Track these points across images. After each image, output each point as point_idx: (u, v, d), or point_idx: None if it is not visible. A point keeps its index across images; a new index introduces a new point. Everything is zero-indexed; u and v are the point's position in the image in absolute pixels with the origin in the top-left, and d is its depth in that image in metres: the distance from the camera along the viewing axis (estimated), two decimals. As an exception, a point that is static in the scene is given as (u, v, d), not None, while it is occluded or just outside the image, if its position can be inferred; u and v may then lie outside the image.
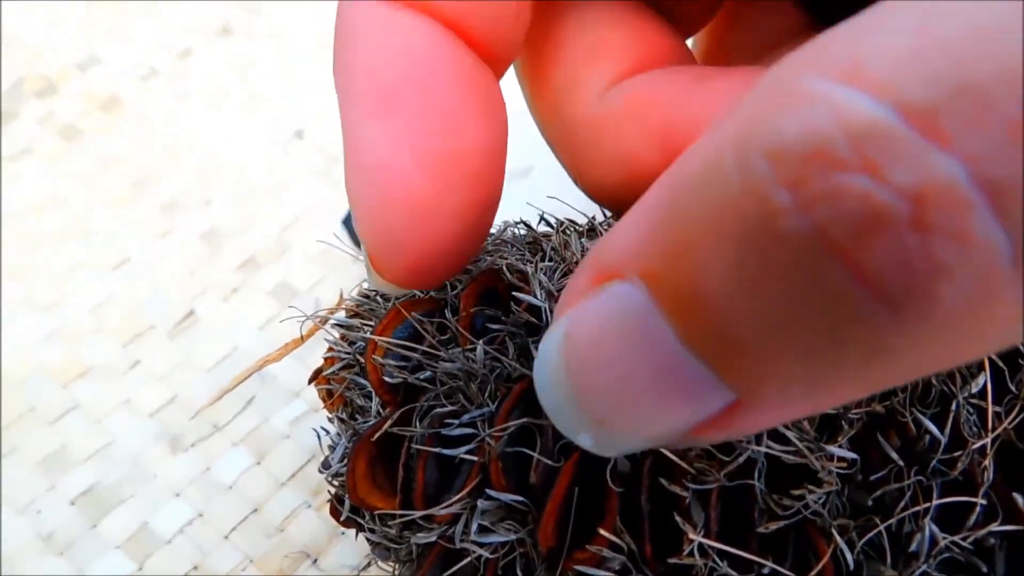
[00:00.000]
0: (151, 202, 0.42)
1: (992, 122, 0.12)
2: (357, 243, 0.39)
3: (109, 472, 0.34)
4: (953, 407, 0.22)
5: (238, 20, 0.48)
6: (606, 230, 0.27)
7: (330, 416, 0.27)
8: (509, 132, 0.23)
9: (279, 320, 0.38)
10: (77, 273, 0.39)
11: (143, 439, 0.35)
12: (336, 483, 0.26)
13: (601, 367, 0.17)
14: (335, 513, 0.26)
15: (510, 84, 0.24)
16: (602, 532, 0.21)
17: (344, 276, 0.39)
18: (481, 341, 0.23)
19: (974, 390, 0.22)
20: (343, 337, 0.27)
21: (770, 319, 0.14)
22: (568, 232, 0.27)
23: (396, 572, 0.27)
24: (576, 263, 0.25)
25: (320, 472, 0.27)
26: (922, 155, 0.12)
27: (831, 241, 0.13)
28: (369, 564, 0.29)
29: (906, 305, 0.13)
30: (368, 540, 0.26)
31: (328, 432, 0.28)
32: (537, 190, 0.41)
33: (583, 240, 0.27)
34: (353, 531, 0.30)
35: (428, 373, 0.24)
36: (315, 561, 0.33)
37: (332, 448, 0.27)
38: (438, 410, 0.23)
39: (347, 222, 0.41)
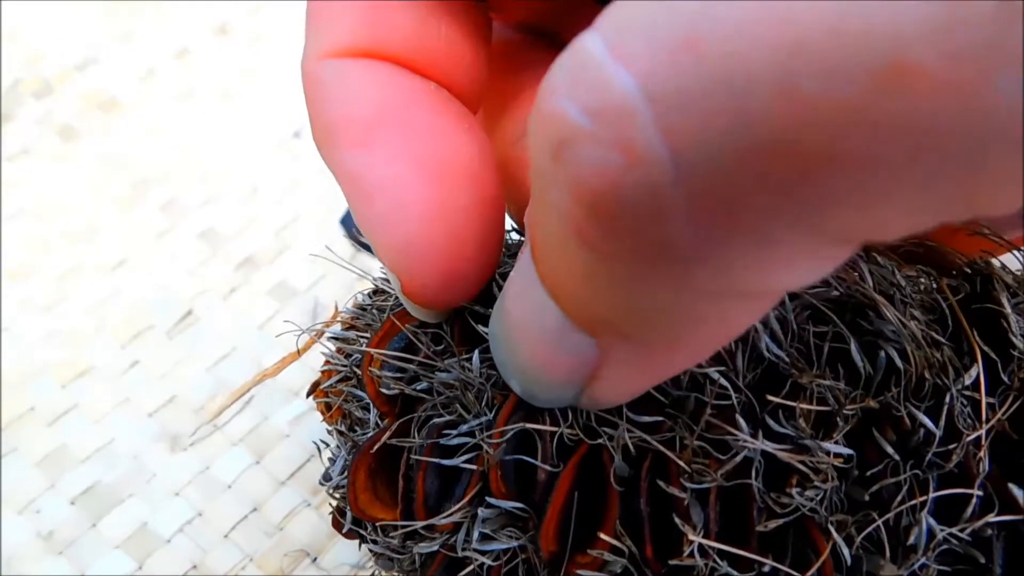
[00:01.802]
0: (150, 202, 0.42)
1: (666, 39, 0.12)
2: (356, 242, 0.39)
3: (109, 471, 0.35)
4: (947, 400, 0.22)
5: (235, 20, 0.48)
6: None
7: (329, 429, 0.27)
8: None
9: (281, 319, 0.38)
10: (76, 273, 0.40)
11: (142, 438, 0.35)
12: (337, 495, 0.26)
13: (514, 318, 0.19)
14: (337, 525, 0.27)
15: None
16: (603, 536, 0.21)
17: (342, 275, 0.39)
18: (477, 350, 0.23)
19: (967, 382, 0.22)
20: (339, 350, 0.27)
21: (562, 256, 0.16)
22: None
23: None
24: None
25: (321, 484, 0.27)
26: (605, 72, 0.13)
27: (543, 164, 0.14)
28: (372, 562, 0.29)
29: (600, 225, 0.14)
30: (371, 551, 0.26)
31: (327, 445, 0.28)
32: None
33: None
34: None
35: (425, 384, 0.24)
36: (315, 560, 0.33)
37: (332, 461, 0.27)
38: (436, 420, 0.23)
39: (345, 221, 0.41)
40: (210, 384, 0.37)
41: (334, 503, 0.26)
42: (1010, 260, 0.26)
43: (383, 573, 0.27)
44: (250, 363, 0.35)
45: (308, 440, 0.35)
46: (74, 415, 0.36)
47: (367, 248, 0.37)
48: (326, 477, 0.27)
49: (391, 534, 0.24)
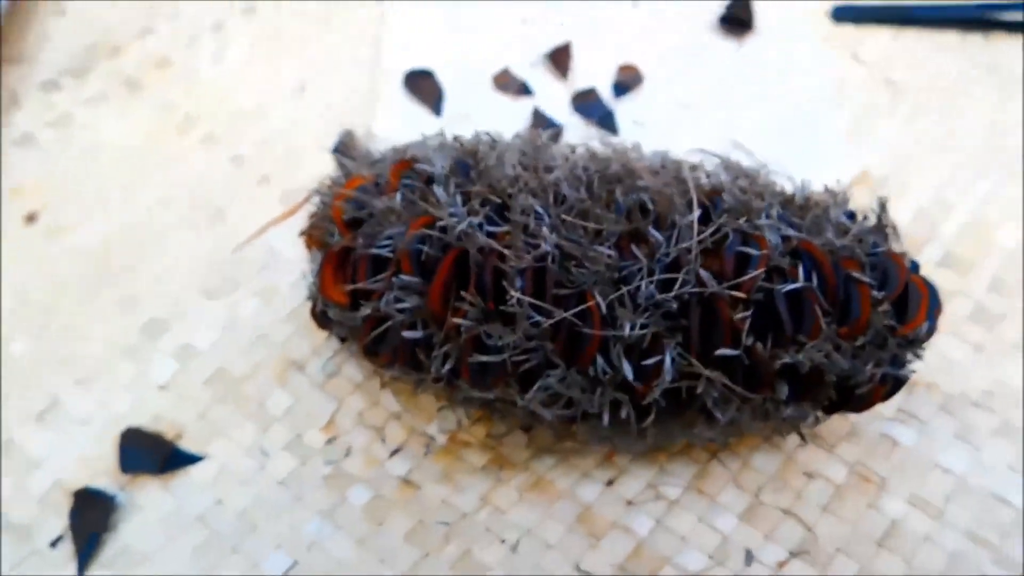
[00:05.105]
0: (194, 136, 0.56)
1: None
2: (343, 165, 0.54)
3: (164, 311, 0.50)
4: (676, 229, 0.37)
5: (261, 2, 0.62)
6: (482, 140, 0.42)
7: (312, 255, 0.43)
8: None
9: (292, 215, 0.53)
10: (141, 186, 0.54)
11: (189, 291, 0.50)
12: (313, 292, 0.42)
13: None
14: (313, 313, 0.42)
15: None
16: (465, 295, 0.36)
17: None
18: (399, 191, 0.38)
19: (691, 218, 0.37)
20: (322, 201, 0.42)
21: None
22: (464, 139, 0.42)
23: (350, 347, 0.43)
24: (468, 154, 0.40)
25: (307, 300, 0.43)
26: None
27: None
28: (335, 359, 0.45)
29: None
30: (332, 322, 0.41)
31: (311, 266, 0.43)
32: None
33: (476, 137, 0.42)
34: (325, 339, 0.46)
35: (367, 210, 0.39)
36: (302, 368, 0.48)
37: (311, 271, 0.42)
38: (371, 231, 0.38)
39: (335, 150, 0.56)
40: (239, 258, 0.51)
41: (311, 299, 0.42)
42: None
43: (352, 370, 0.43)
44: (265, 242, 0.50)
45: (302, 294, 0.50)
46: (144, 272, 0.51)
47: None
48: (310, 293, 0.42)
49: (345, 310, 0.39)
